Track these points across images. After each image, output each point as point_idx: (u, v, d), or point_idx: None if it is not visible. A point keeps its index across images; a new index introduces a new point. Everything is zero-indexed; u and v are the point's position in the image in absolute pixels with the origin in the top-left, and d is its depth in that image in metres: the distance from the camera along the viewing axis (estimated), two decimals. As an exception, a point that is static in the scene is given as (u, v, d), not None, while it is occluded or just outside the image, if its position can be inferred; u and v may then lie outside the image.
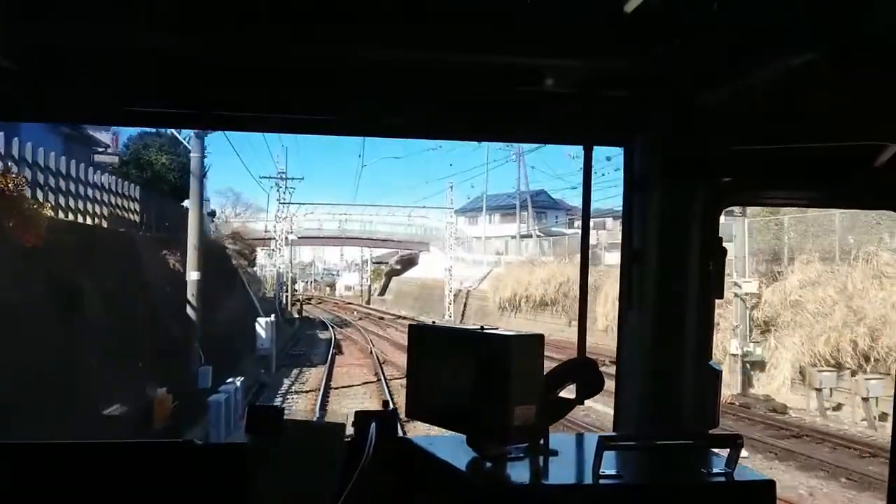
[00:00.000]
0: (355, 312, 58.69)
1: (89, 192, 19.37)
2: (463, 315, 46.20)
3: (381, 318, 50.61)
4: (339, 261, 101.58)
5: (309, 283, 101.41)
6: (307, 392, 21.64)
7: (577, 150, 2.32)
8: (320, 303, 77.51)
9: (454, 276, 49.11)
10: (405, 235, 70.42)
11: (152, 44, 1.75)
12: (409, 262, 71.93)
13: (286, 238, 51.47)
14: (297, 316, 52.15)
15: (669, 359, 2.23)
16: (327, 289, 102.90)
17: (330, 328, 42.35)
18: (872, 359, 17.46)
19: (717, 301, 2.25)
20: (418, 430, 6.98)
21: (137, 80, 1.95)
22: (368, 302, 75.23)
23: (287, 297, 55.73)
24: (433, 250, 67.98)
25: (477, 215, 67.60)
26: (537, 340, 1.91)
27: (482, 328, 1.96)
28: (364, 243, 71.20)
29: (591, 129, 2.23)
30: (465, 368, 1.93)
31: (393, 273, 74.51)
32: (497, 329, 1.95)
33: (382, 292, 75.13)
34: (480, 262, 57.39)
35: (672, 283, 2.22)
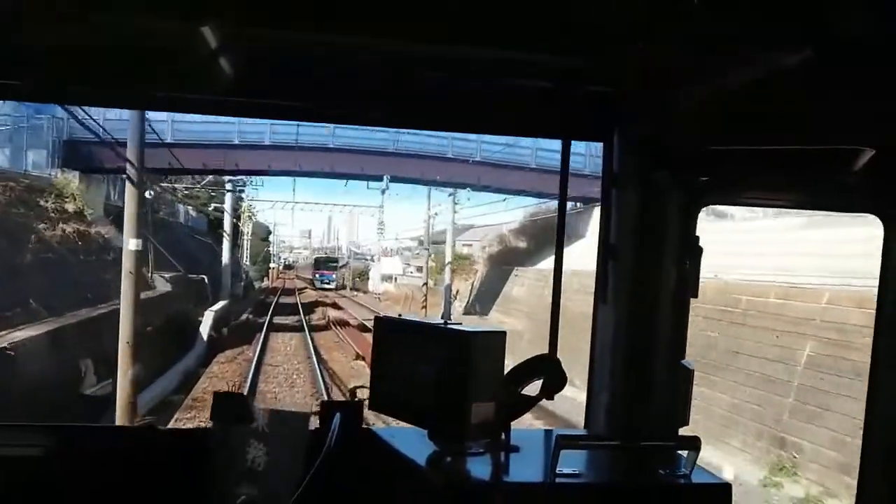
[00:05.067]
0: None
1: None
2: None
3: None
4: (373, 238, 73.59)
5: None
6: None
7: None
8: (326, 327, 33.62)
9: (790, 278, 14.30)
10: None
11: (132, 30, 1.80)
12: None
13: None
14: None
15: (642, 355, 2.29)
16: (355, 279, 78.56)
17: None
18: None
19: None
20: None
21: (120, 63, 2.01)
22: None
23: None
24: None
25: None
26: (500, 337, 1.99)
27: (445, 323, 2.04)
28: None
29: (570, 123, 2.29)
30: (428, 363, 1.98)
31: (495, 259, 30.64)
32: (460, 324, 2.06)
33: (486, 307, 30.99)
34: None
35: (647, 280, 2.28)
